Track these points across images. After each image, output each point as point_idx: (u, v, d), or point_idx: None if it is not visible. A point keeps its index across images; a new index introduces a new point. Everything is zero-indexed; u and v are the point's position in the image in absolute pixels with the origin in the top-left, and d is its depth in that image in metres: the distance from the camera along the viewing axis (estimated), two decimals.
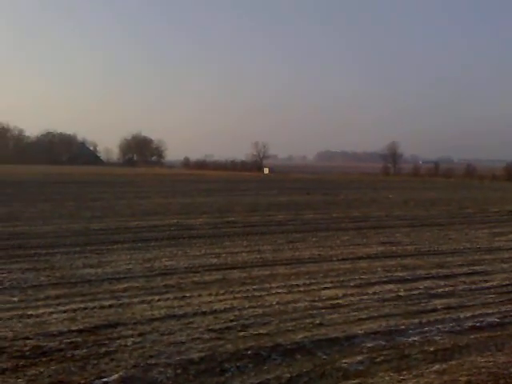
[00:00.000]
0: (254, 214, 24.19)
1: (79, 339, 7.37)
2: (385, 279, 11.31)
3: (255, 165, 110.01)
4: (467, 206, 30.98)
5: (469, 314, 8.79)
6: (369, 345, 7.32)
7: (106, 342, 7.29)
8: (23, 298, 9.47)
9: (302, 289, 10.36)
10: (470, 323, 8.35)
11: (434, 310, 9.02)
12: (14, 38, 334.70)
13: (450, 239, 17.42)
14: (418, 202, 32.70)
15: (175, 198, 34.29)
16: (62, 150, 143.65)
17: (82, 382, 6.09)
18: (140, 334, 7.59)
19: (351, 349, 7.19)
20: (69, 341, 7.30)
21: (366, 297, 9.81)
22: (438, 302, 9.50)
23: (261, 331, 7.80)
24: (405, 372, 6.47)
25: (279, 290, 10.20)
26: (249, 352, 6.99)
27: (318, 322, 8.27)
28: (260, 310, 8.85)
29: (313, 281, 11.05)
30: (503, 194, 43.54)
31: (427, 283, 10.97)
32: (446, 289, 10.53)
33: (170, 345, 7.22)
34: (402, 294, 10.10)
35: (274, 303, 9.28)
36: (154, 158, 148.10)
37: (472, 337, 7.76)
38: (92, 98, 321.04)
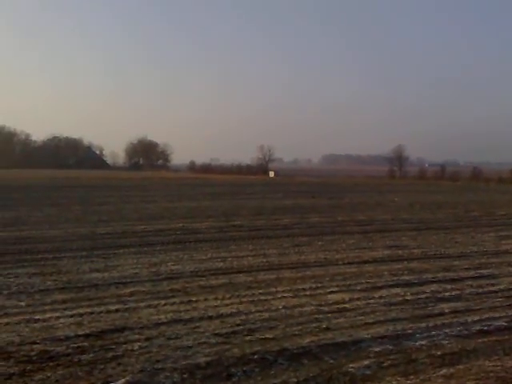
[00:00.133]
0: (260, 218, 24.19)
1: (86, 344, 7.39)
2: (391, 283, 11.27)
3: (261, 168, 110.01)
4: (474, 209, 30.86)
5: (476, 318, 8.75)
6: (376, 349, 7.29)
7: (113, 346, 7.30)
8: (30, 302, 9.50)
9: (308, 293, 10.34)
10: (477, 327, 8.31)
11: (441, 314, 8.99)
12: (18, 42, 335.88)
13: (457, 242, 17.35)
14: (424, 206, 32.60)
15: (181, 201, 34.34)
16: (69, 154, 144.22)
17: None
18: (146, 339, 7.60)
19: (358, 353, 7.16)
20: (76, 345, 7.31)
21: (372, 301, 9.79)
22: (445, 306, 9.46)
23: (267, 335, 7.79)
24: (412, 376, 6.44)
25: (285, 294, 10.18)
26: (255, 356, 6.98)
27: (324, 326, 8.25)
28: (266, 315, 8.84)
29: (319, 285, 11.03)
30: (510, 197, 43.34)
31: (434, 287, 10.93)
32: (453, 292, 10.49)
33: (177, 349, 7.22)
34: (408, 297, 10.06)
35: (280, 307, 9.27)
36: (159, 162, 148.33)
37: (479, 341, 7.72)
38: (98, 102, 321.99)
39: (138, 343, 7.41)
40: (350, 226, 21.70)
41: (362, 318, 8.72)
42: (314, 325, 8.30)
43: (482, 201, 38.32)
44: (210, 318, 8.66)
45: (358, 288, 10.77)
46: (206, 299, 9.79)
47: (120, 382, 6.19)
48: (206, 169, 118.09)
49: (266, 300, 9.77)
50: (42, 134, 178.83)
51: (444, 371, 6.60)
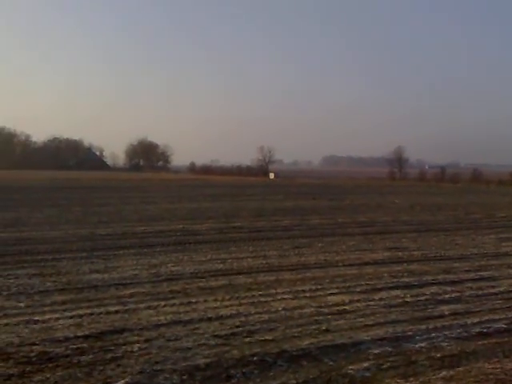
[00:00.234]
0: (260, 220, 24.19)
1: (85, 345, 7.38)
2: (391, 285, 11.27)
3: (261, 170, 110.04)
4: (474, 211, 30.86)
5: (476, 320, 8.74)
6: (375, 351, 7.29)
7: (112, 347, 7.30)
8: (30, 303, 9.50)
9: (307, 294, 10.34)
10: (477, 329, 8.30)
11: (441, 316, 8.98)
12: (18, 42, 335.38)
13: (457, 244, 17.35)
14: (424, 207, 32.60)
15: (181, 203, 34.35)
16: (69, 155, 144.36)
17: None
18: (146, 340, 7.60)
19: (357, 355, 7.16)
20: (75, 347, 7.31)
21: (372, 303, 9.78)
22: (444, 308, 9.46)
23: (267, 337, 7.78)
24: (412, 378, 6.44)
25: (285, 296, 10.18)
26: (255, 358, 6.97)
27: (324, 328, 8.25)
28: (266, 316, 8.83)
29: (319, 286, 11.03)
30: (510, 199, 43.34)
31: (434, 289, 10.92)
32: (453, 295, 10.48)
33: (176, 351, 7.21)
34: (408, 299, 10.06)
35: (280, 309, 9.26)
36: (160, 163, 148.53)
37: (479, 343, 7.72)
38: (98, 103, 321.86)
39: (138, 344, 7.41)
40: (351, 227, 21.70)
41: (362, 319, 8.72)
42: (314, 327, 8.29)
43: (482, 203, 38.32)
44: (210, 319, 8.65)
45: (358, 290, 10.77)
46: (205, 301, 9.79)
47: (119, 383, 6.19)
48: (206, 170, 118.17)
49: (265, 302, 9.77)
50: (43, 135, 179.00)
51: (444, 373, 6.60)
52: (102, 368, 6.61)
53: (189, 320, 8.58)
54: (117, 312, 8.98)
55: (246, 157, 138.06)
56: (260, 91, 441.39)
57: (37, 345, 7.36)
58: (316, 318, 8.78)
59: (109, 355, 7.01)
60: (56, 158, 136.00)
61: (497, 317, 8.98)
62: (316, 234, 19.31)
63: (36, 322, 8.38)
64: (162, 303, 9.55)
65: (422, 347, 7.49)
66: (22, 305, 9.39)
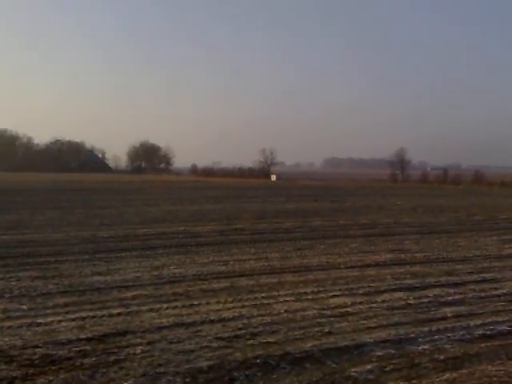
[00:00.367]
0: (262, 222, 24.18)
1: (88, 347, 7.38)
2: (394, 287, 11.25)
3: (263, 172, 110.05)
4: (476, 212, 30.81)
5: (479, 322, 8.73)
6: (378, 353, 7.28)
7: (115, 350, 7.30)
8: (32, 306, 9.50)
9: (310, 297, 10.33)
10: (480, 331, 8.28)
11: (444, 318, 8.96)
12: (18, 42, 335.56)
13: (459, 246, 17.32)
14: (426, 209, 32.56)
15: (183, 205, 34.36)
16: (71, 157, 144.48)
17: None
18: (149, 343, 7.59)
19: (360, 357, 7.15)
20: (78, 349, 7.31)
21: (375, 305, 9.77)
22: (447, 310, 9.44)
23: (269, 339, 7.77)
24: (415, 381, 6.43)
25: (287, 298, 10.17)
26: (257, 360, 6.97)
27: (326, 330, 8.24)
28: (268, 318, 8.82)
29: (321, 289, 11.02)
30: None
31: (437, 291, 10.91)
32: (456, 297, 10.47)
33: (179, 353, 7.21)
34: (411, 301, 10.04)
35: (283, 311, 9.25)
36: (161, 165, 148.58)
37: (482, 345, 7.70)
38: (99, 105, 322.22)
39: (140, 347, 7.41)
40: (353, 229, 21.68)
41: (365, 322, 8.70)
42: (317, 329, 8.28)
43: (484, 204, 38.26)
44: (212, 321, 8.65)
45: (361, 292, 10.75)
46: (208, 303, 9.79)
47: None
48: (208, 172, 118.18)
49: (268, 304, 9.76)
50: (45, 138, 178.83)
51: (447, 376, 6.59)
52: (104, 371, 6.61)
53: (191, 322, 8.58)
54: (119, 314, 8.98)
55: (248, 159, 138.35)
56: (260, 91, 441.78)
57: (40, 347, 7.36)
58: (319, 320, 8.77)
59: (111, 358, 7.01)
60: (58, 161, 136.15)
61: (500, 319, 8.96)
62: (318, 236, 19.29)
63: (39, 324, 8.38)
64: (165, 305, 9.55)
65: (425, 349, 7.47)
66: (24, 307, 9.39)
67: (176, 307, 9.47)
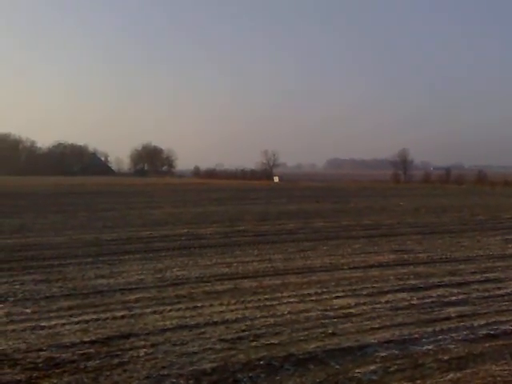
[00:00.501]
0: (265, 223, 24.19)
1: (92, 350, 7.39)
2: (397, 287, 11.24)
3: (265, 173, 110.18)
4: (479, 212, 30.75)
5: (483, 322, 8.71)
6: (382, 354, 7.27)
7: (119, 353, 7.30)
8: (36, 309, 9.52)
9: (313, 298, 10.32)
10: (484, 331, 8.27)
11: (448, 319, 8.95)
12: (19, 42, 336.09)
13: (463, 246, 17.30)
14: (429, 209, 32.52)
15: (186, 207, 34.39)
16: (74, 160, 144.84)
17: None
18: (152, 345, 7.60)
19: (364, 358, 7.14)
20: (81, 352, 7.32)
21: (378, 305, 9.76)
22: (451, 310, 9.43)
23: (273, 341, 7.77)
24: (419, 381, 6.42)
25: (291, 300, 10.17)
26: (261, 362, 6.97)
27: (330, 331, 8.23)
28: (272, 320, 8.82)
29: (324, 290, 11.01)
30: None
31: (440, 291, 10.89)
32: (460, 297, 10.45)
33: (182, 355, 7.21)
34: (414, 302, 10.03)
35: (286, 313, 9.25)
36: (164, 168, 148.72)
37: (486, 345, 7.68)
38: (98, 104, 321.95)
39: (144, 349, 7.41)
40: (355, 230, 21.66)
41: (368, 322, 8.70)
42: (320, 330, 8.28)
43: (487, 204, 38.19)
44: (216, 323, 8.65)
45: (364, 293, 10.75)
46: (211, 305, 9.79)
47: None
48: (211, 174, 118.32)
49: (271, 305, 9.76)
50: (47, 141, 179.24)
51: (451, 376, 6.58)
52: (108, 373, 6.62)
53: (195, 324, 8.58)
54: (123, 317, 8.99)
55: (251, 160, 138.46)
56: (260, 91, 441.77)
57: (43, 351, 7.37)
58: (322, 321, 8.77)
59: (115, 360, 7.02)
60: (61, 164, 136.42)
61: (504, 318, 8.94)
62: (321, 237, 19.29)
63: (42, 327, 8.39)
64: (168, 308, 9.56)
65: (428, 350, 7.46)
66: (28, 311, 9.41)
67: (179, 309, 9.48)
